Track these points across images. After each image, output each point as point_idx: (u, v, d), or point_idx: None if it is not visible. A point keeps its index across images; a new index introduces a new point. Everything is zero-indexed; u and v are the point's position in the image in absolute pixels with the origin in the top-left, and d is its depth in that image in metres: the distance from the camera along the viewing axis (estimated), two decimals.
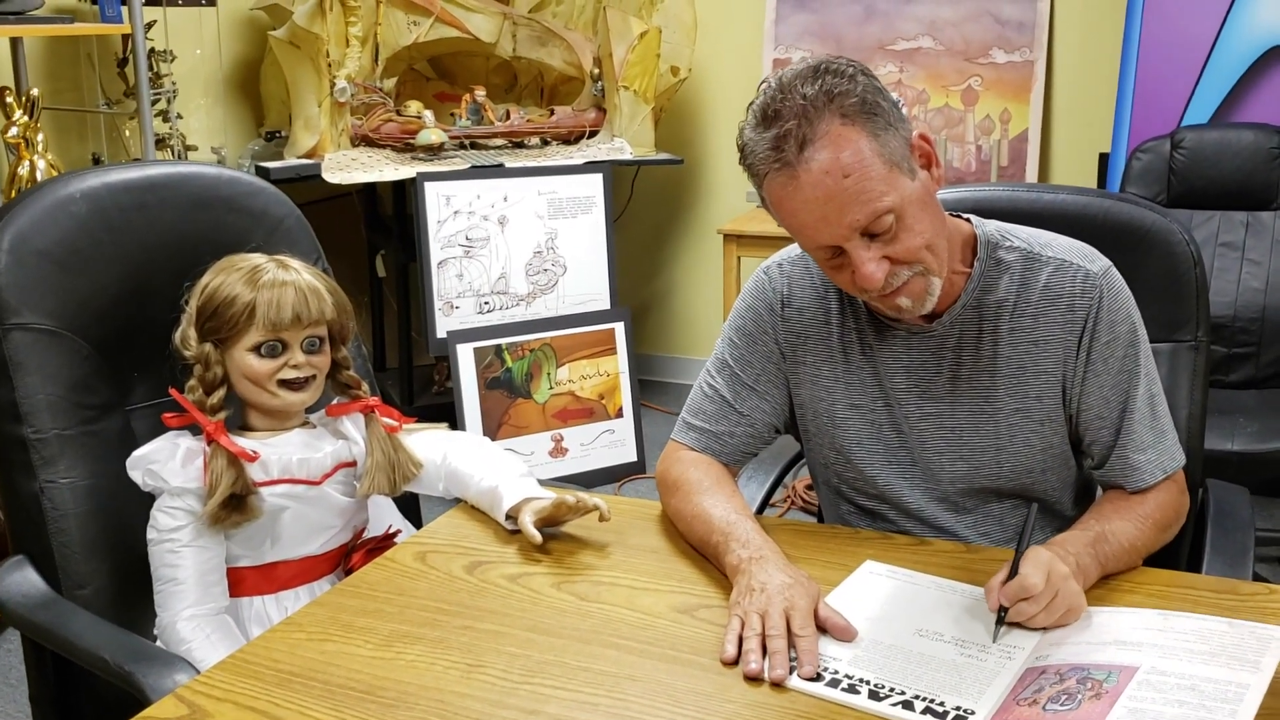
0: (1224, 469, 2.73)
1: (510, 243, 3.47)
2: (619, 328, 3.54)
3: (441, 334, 3.39)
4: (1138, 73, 3.34)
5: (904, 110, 1.35)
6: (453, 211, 3.41)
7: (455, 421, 3.37)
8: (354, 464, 1.61)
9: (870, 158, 1.27)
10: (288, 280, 1.52)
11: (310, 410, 1.63)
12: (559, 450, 3.47)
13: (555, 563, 1.44)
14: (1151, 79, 3.34)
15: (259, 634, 1.33)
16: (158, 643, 1.50)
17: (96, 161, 3.29)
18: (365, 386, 1.65)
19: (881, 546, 1.46)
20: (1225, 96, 3.30)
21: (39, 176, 2.91)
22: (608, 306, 3.55)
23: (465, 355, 3.38)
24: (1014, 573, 1.24)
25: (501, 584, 1.39)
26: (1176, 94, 3.31)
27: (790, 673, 1.18)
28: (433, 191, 3.38)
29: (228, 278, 1.53)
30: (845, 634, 1.24)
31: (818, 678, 1.18)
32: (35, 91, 2.89)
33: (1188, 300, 1.72)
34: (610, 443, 3.54)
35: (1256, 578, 2.99)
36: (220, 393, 1.53)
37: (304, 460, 1.55)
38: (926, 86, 3.82)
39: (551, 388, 3.47)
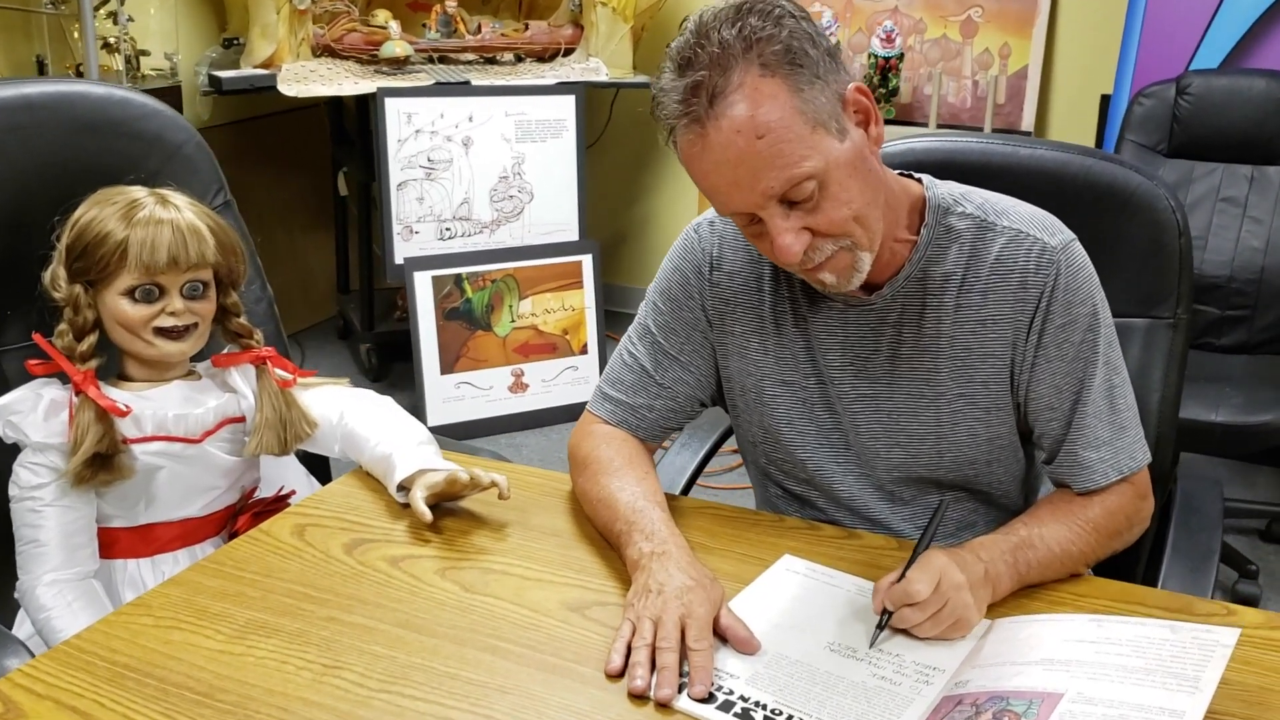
0: (1205, 441, 2.60)
1: (475, 166, 3.30)
2: (587, 260, 3.38)
3: (399, 260, 3.24)
4: (1146, 11, 3.14)
5: (841, 58, 1.18)
6: (414, 130, 3.24)
7: (411, 352, 3.24)
8: (242, 419, 1.48)
9: (790, 116, 1.12)
10: (165, 218, 1.38)
11: (197, 359, 1.49)
12: (519, 386, 3.34)
13: (445, 544, 1.31)
14: (1160, 19, 3.14)
15: (131, 599, 1.21)
16: (19, 610, 1.38)
17: (40, 64, 3.11)
18: (258, 336, 1.51)
19: (805, 538, 1.33)
20: (1237, 42, 3.10)
21: None
22: (576, 238, 3.40)
23: (423, 283, 3.23)
24: (909, 564, 1.14)
25: (381, 568, 1.26)
26: (1185, 36, 3.12)
27: (679, 692, 1.06)
28: (393, 108, 3.21)
29: (100, 212, 1.38)
30: (747, 646, 1.12)
31: (709, 698, 1.06)
32: None
33: (1169, 273, 1.57)
34: (573, 380, 3.40)
35: (1229, 560, 2.86)
36: (91, 339, 1.39)
37: (182, 416, 1.42)
38: (924, 15, 3.61)
39: (513, 321, 3.33)
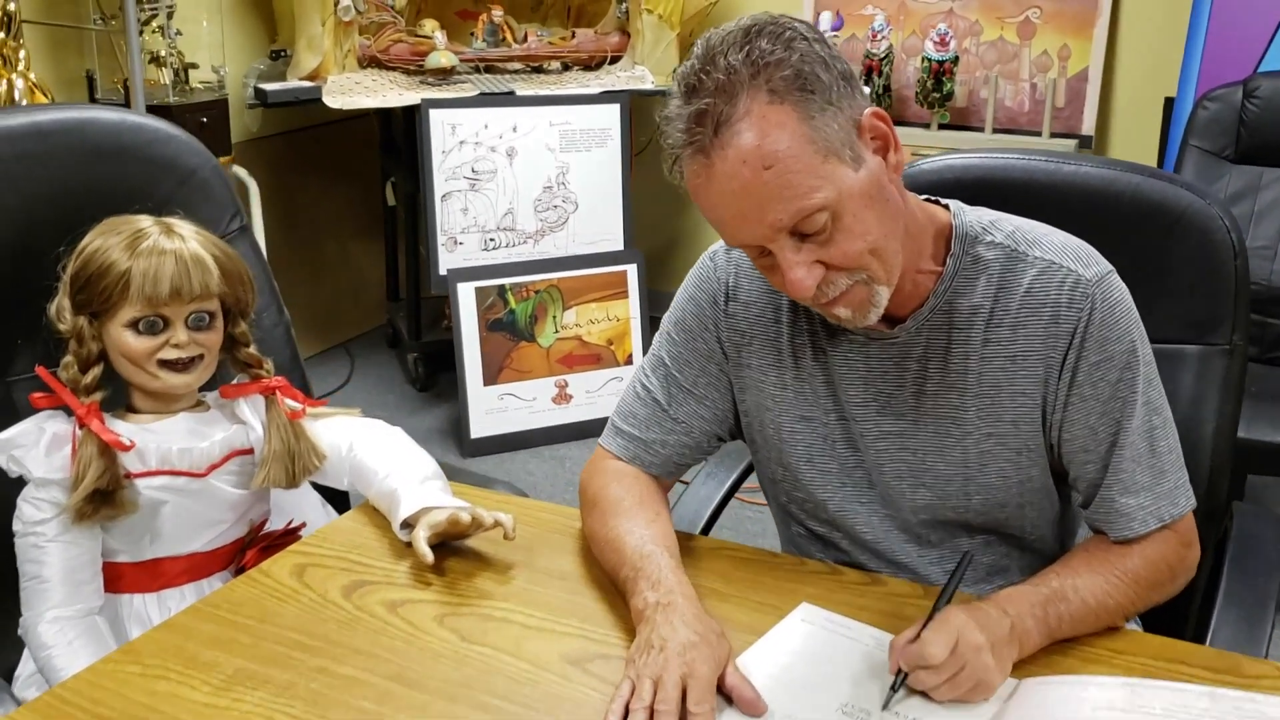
0: (1274, 463, 2.48)
1: (519, 176, 3.26)
2: (632, 270, 3.33)
3: (443, 271, 3.22)
4: (1212, 11, 3.01)
5: (858, 82, 1.12)
6: (458, 141, 3.21)
7: (455, 363, 3.21)
8: (251, 451, 1.45)
9: (799, 144, 1.06)
10: (169, 249, 1.35)
11: (206, 389, 1.46)
12: (563, 397, 3.30)
13: (446, 587, 1.26)
14: (1227, 20, 3.00)
15: (139, 635, 1.19)
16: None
17: (90, 80, 3.13)
18: (268, 365, 1.48)
19: (826, 584, 1.27)
20: None
21: (18, 96, 2.75)
22: (621, 247, 3.34)
23: (466, 295, 3.20)
24: (924, 625, 1.07)
25: (378, 613, 1.22)
26: (1253, 37, 2.98)
27: None
28: (437, 119, 3.18)
29: (105, 242, 1.36)
30: (753, 709, 1.06)
31: None
32: (13, 5, 2.72)
33: (1224, 297, 1.48)
34: (618, 391, 3.35)
35: None
36: (96, 371, 1.37)
37: (187, 449, 1.39)
38: (980, 17, 3.51)
39: (557, 331, 3.29)
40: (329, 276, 3.96)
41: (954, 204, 1.25)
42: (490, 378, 3.23)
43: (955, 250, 1.22)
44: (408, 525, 1.32)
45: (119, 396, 1.42)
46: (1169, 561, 1.20)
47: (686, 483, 1.63)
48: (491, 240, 3.27)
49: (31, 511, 1.35)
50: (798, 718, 1.06)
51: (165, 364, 1.36)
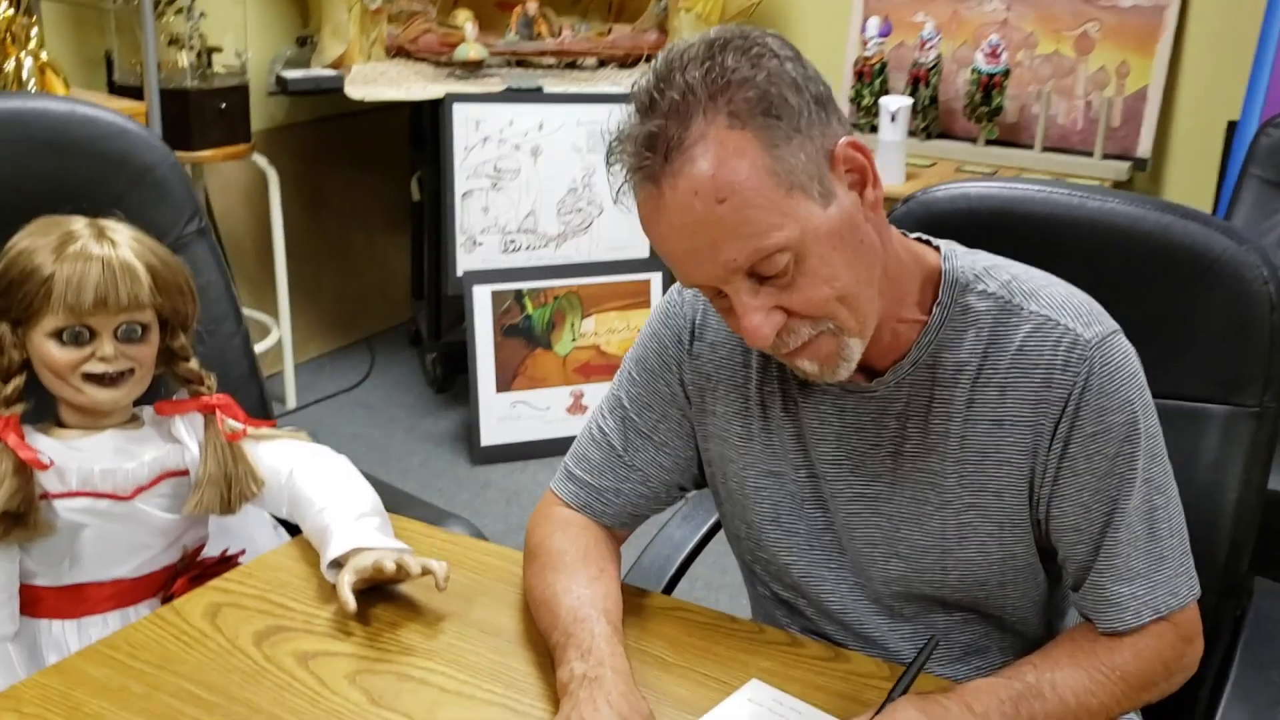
0: None
1: (543, 176, 3.16)
2: (655, 279, 3.21)
3: (460, 272, 3.12)
4: None
5: (835, 107, 0.99)
6: (482, 138, 3.11)
7: (468, 367, 3.12)
8: (185, 473, 1.36)
9: (758, 176, 0.94)
10: (96, 255, 1.25)
11: (144, 402, 1.37)
12: (578, 407, 3.19)
13: (366, 639, 1.16)
14: None
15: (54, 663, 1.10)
16: None
17: (109, 60, 3.07)
18: (210, 382, 1.38)
19: (783, 657, 1.15)
20: None
21: (25, 75, 2.69)
22: (645, 255, 3.22)
23: (482, 298, 3.10)
24: (880, 710, 0.96)
25: (287, 666, 1.11)
26: None
27: None
28: (461, 114, 3.08)
29: (33, 243, 1.27)
30: None
31: None
32: None
33: (1257, 353, 1.34)
34: None
35: None
36: (17, 382, 1.28)
37: (111, 470, 1.30)
38: (1036, 29, 3.34)
39: (575, 340, 3.18)
40: (353, 270, 3.88)
41: (946, 245, 1.13)
42: (504, 384, 3.13)
43: (943, 299, 1.09)
44: (337, 565, 1.22)
45: (47, 408, 1.33)
46: (1164, 658, 1.07)
47: (662, 524, 1.51)
48: (512, 242, 3.17)
49: None
50: None
51: (91, 378, 1.27)
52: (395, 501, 1.48)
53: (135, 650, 1.13)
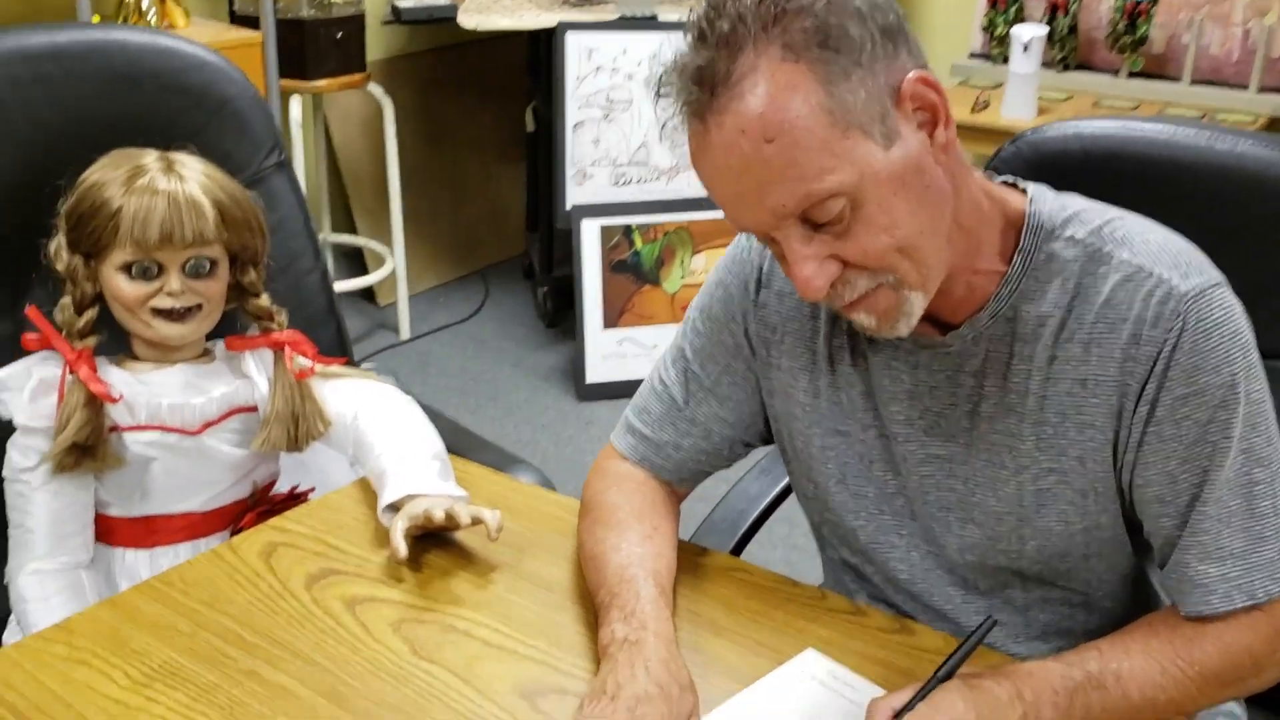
0: None
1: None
2: None
3: (569, 205, 3.08)
4: None
5: (908, 36, 0.91)
6: (595, 67, 3.05)
7: (575, 303, 3.09)
8: (254, 409, 1.35)
9: (812, 115, 0.86)
10: (162, 190, 1.24)
11: (216, 336, 1.37)
12: None
13: (415, 587, 1.14)
14: None
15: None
16: None
17: None
18: (281, 318, 1.37)
19: (844, 626, 1.09)
20: None
21: (145, 6, 2.73)
22: None
23: (590, 232, 3.06)
24: (919, 697, 0.90)
25: (334, 611, 1.10)
26: None
27: None
28: (574, 43, 3.02)
29: (104, 176, 1.27)
30: None
31: None
32: None
33: None
34: None
35: None
36: (90, 314, 1.29)
37: (179, 406, 1.30)
38: None
39: (684, 277, 3.12)
40: (470, 201, 3.88)
41: (1035, 189, 1.03)
42: (611, 320, 3.09)
43: (1025, 246, 1.00)
44: (394, 509, 1.20)
45: (122, 341, 1.34)
46: (1254, 652, 0.97)
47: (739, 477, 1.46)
48: (622, 175, 3.11)
49: (18, 458, 1.29)
50: None
51: (159, 313, 1.27)
52: (465, 445, 1.46)
53: (188, 587, 1.13)
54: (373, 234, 3.61)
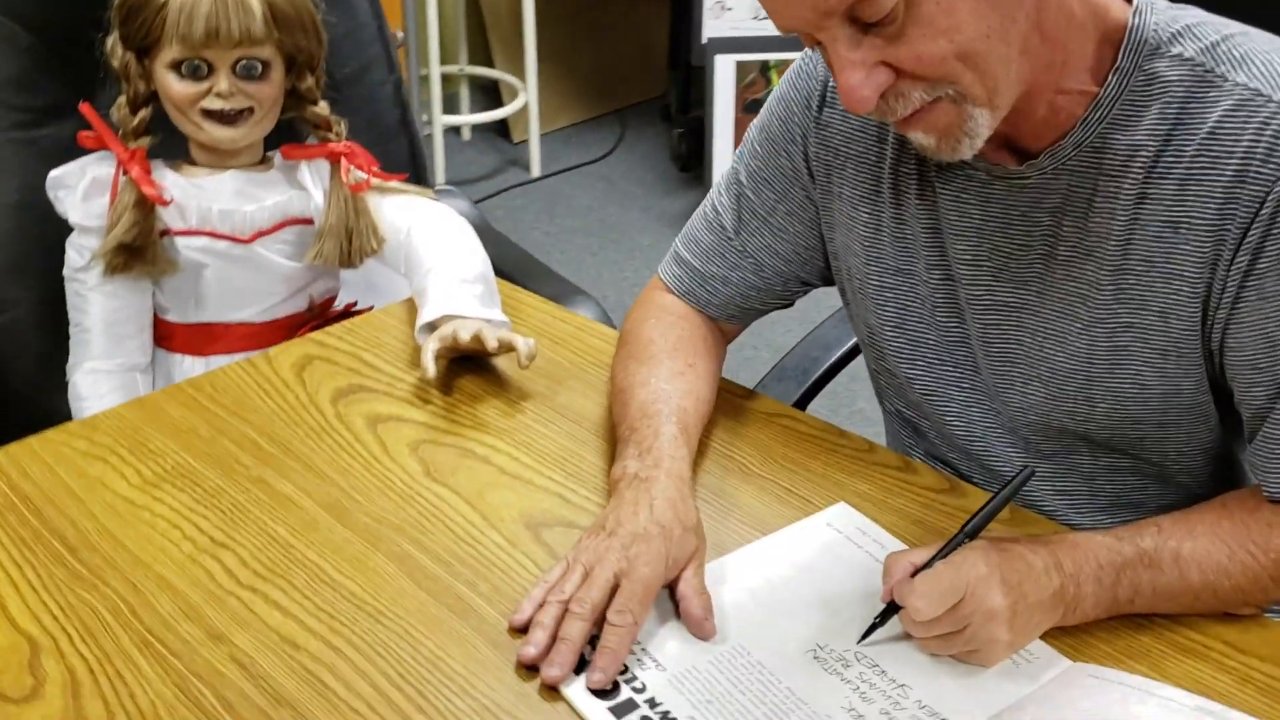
0: None
1: None
2: None
3: (705, 39, 2.94)
4: None
5: None
6: None
7: (704, 141, 2.97)
8: (309, 221, 1.32)
9: None
10: None
11: (273, 146, 1.33)
12: None
13: (443, 408, 1.09)
14: None
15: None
16: None
17: None
18: (340, 128, 1.32)
19: (886, 483, 1.00)
20: None
21: None
22: None
23: (724, 69, 2.92)
24: (940, 555, 0.82)
25: (356, 427, 1.07)
26: None
27: (579, 675, 0.81)
28: None
29: None
30: (698, 629, 0.85)
31: (610, 691, 0.80)
32: None
33: None
34: None
35: None
36: (144, 114, 1.26)
37: (229, 212, 1.27)
38: None
39: None
40: (610, 37, 3.75)
41: None
42: None
43: (1122, 65, 0.86)
44: (432, 329, 1.16)
45: (182, 145, 1.31)
46: None
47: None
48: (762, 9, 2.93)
49: (74, 257, 1.29)
50: (749, 654, 0.83)
51: (209, 114, 1.24)
52: (530, 273, 1.41)
53: (216, 393, 1.11)
54: (509, 68, 3.53)
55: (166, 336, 1.33)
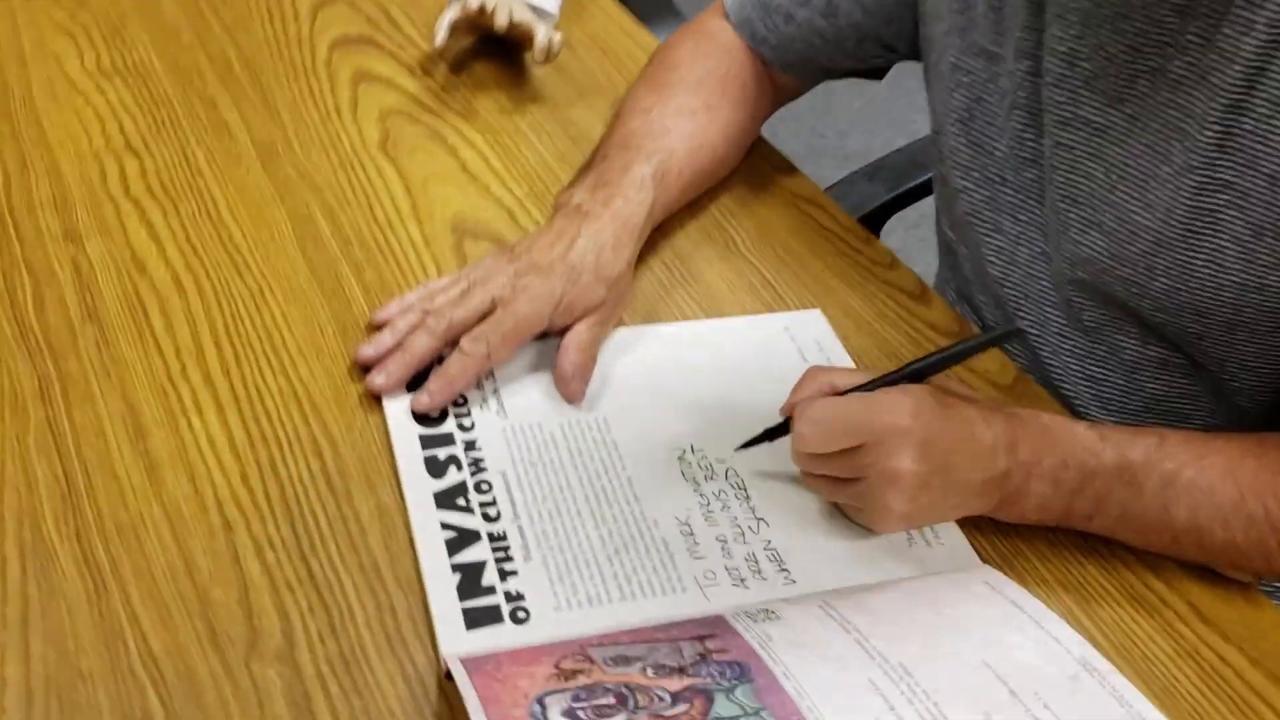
0: None
1: None
2: None
3: None
4: None
5: None
6: None
7: None
8: None
9: None
10: None
11: None
12: None
13: (437, 86, 0.96)
14: None
15: None
16: None
17: None
18: None
19: (887, 305, 0.83)
20: None
21: None
22: None
23: None
24: (867, 386, 0.66)
25: (338, 78, 0.95)
26: None
27: (404, 390, 0.70)
28: None
29: None
30: (563, 386, 0.72)
31: (435, 420, 0.69)
32: None
33: None
34: None
35: None
36: None
37: None
38: None
39: None
40: None
41: None
42: None
43: None
44: None
45: None
46: None
47: None
48: None
49: None
50: (611, 433, 0.70)
51: None
52: None
53: (222, 3, 1.01)
54: None
55: None
